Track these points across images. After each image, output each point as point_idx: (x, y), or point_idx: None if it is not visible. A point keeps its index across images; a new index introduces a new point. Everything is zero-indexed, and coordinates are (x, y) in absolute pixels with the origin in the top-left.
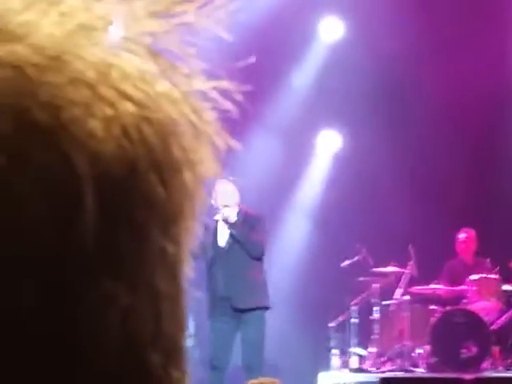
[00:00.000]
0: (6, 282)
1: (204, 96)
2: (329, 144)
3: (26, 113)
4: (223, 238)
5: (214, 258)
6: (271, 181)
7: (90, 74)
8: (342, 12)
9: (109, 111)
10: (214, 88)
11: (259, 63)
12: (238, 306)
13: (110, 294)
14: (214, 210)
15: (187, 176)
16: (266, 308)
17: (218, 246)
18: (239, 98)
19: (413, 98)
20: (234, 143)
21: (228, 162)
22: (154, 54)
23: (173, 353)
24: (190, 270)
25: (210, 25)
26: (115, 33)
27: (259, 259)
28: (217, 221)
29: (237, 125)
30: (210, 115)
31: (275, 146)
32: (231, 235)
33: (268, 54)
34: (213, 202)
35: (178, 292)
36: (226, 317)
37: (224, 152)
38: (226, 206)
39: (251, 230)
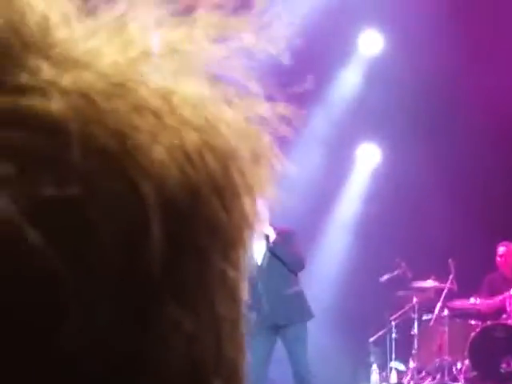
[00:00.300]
0: (83, 307)
1: (262, 119)
2: (369, 158)
3: (94, 140)
4: (260, 255)
5: (250, 276)
6: (312, 194)
7: (154, 101)
8: (382, 25)
9: (172, 138)
10: (272, 111)
11: (299, 76)
12: (282, 323)
13: (175, 321)
14: None
15: (246, 201)
16: (310, 318)
17: (255, 264)
18: (296, 121)
19: (453, 111)
20: (290, 166)
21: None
22: (213, 78)
23: (233, 377)
24: (246, 295)
25: (268, 48)
26: (176, 58)
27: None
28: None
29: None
30: (268, 139)
31: (316, 160)
32: (271, 252)
33: (308, 68)
34: None
35: (238, 315)
36: (266, 332)
37: (280, 175)
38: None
39: (290, 245)
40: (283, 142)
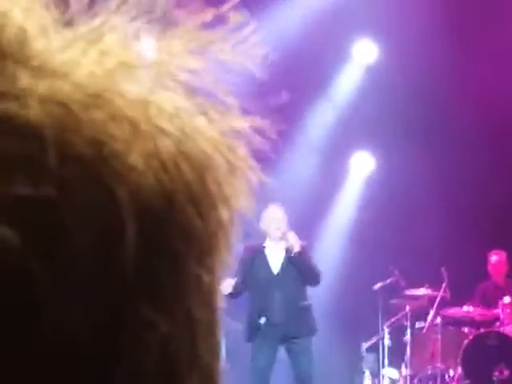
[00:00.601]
0: (57, 307)
1: (238, 132)
2: (363, 165)
3: (71, 147)
4: (277, 264)
5: (265, 284)
6: (307, 201)
7: (130, 111)
8: (376, 35)
9: (148, 146)
10: (249, 125)
11: (293, 84)
12: (292, 334)
13: (150, 323)
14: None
15: (223, 210)
16: (316, 332)
17: (271, 273)
18: (273, 135)
19: (447, 119)
20: (267, 179)
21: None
22: (191, 90)
23: (207, 379)
24: (222, 300)
25: (246, 62)
26: (153, 70)
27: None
28: (263, 247)
29: (273, 146)
30: (244, 151)
31: (310, 167)
32: (290, 262)
33: (302, 76)
34: (264, 227)
35: (213, 320)
36: (274, 342)
37: (258, 186)
38: (281, 232)
39: (309, 258)
40: (278, 151)
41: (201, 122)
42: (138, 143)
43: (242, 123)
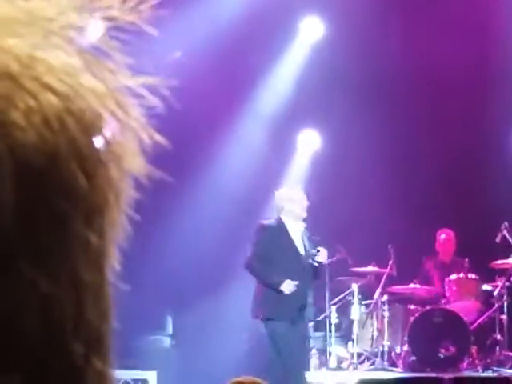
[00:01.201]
0: None
1: (132, 92)
2: (310, 142)
3: None
4: (300, 245)
5: (293, 265)
6: (253, 179)
7: (14, 67)
8: (322, 12)
9: (31, 102)
10: (143, 84)
11: (241, 62)
12: (311, 317)
13: (30, 281)
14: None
15: (112, 169)
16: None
17: (298, 253)
18: (166, 93)
19: (393, 96)
20: (160, 139)
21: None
22: (79, 48)
23: (96, 343)
24: (116, 263)
25: (135, 21)
26: (41, 26)
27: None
28: (284, 225)
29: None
30: (137, 110)
31: (256, 144)
32: (315, 271)
33: (249, 53)
34: (289, 206)
35: (102, 283)
36: (299, 323)
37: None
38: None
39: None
40: (224, 124)
41: (90, 79)
42: (19, 99)
43: (134, 81)
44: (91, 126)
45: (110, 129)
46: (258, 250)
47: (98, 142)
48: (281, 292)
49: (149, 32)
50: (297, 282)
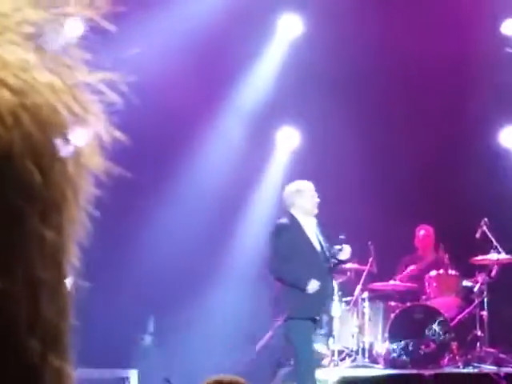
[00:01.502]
0: None
1: (90, 87)
2: (289, 140)
3: None
4: (315, 240)
5: (308, 259)
6: (232, 173)
7: None
8: (301, 9)
9: None
10: (102, 80)
11: (220, 59)
12: (331, 314)
13: None
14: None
15: (69, 165)
16: None
17: (314, 249)
18: (124, 89)
19: (372, 93)
20: (119, 135)
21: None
22: (36, 44)
23: (53, 341)
24: (75, 260)
25: (89, 14)
26: None
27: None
28: (298, 221)
29: (198, 122)
30: (95, 106)
31: (236, 140)
32: (338, 261)
33: (228, 50)
34: (302, 203)
35: (60, 280)
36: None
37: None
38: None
39: None
40: (205, 120)
41: (47, 75)
42: None
43: (93, 77)
44: (47, 122)
45: (67, 125)
46: (280, 251)
47: (55, 137)
48: (305, 291)
49: (106, 28)
50: (319, 283)
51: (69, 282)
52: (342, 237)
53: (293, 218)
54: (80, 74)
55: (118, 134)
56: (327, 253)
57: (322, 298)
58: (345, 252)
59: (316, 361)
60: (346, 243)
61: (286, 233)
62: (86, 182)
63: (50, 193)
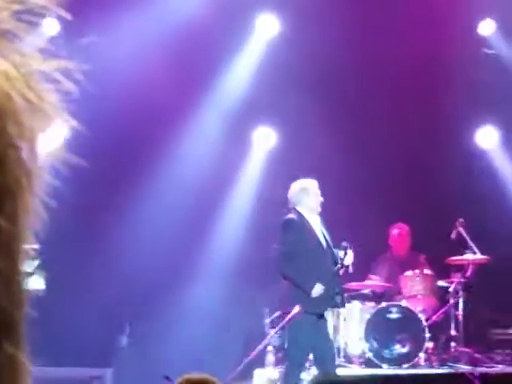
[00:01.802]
0: None
1: (47, 76)
2: (265, 140)
3: None
4: (321, 237)
5: (315, 256)
6: (209, 169)
7: None
8: (278, 9)
9: None
10: (58, 68)
11: (198, 57)
12: (339, 307)
13: None
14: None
15: (24, 152)
16: None
17: (321, 245)
18: (79, 77)
19: (349, 93)
20: (74, 123)
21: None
22: None
23: (7, 329)
24: (30, 249)
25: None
26: None
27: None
28: (305, 219)
29: (175, 119)
30: (51, 94)
31: (213, 137)
32: (340, 263)
33: (206, 49)
34: (308, 201)
35: (14, 269)
36: (323, 319)
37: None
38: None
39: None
40: (182, 117)
41: (2, 62)
42: None
43: (48, 66)
44: (1, 109)
45: (21, 112)
46: (289, 248)
47: (8, 124)
48: (310, 295)
49: (62, 15)
50: (323, 287)
51: (24, 270)
52: (344, 244)
53: (300, 215)
54: (35, 62)
55: (75, 123)
56: (333, 249)
57: (328, 294)
58: (349, 257)
59: (325, 359)
60: (349, 249)
61: (295, 228)
62: (42, 171)
63: (3, 180)
